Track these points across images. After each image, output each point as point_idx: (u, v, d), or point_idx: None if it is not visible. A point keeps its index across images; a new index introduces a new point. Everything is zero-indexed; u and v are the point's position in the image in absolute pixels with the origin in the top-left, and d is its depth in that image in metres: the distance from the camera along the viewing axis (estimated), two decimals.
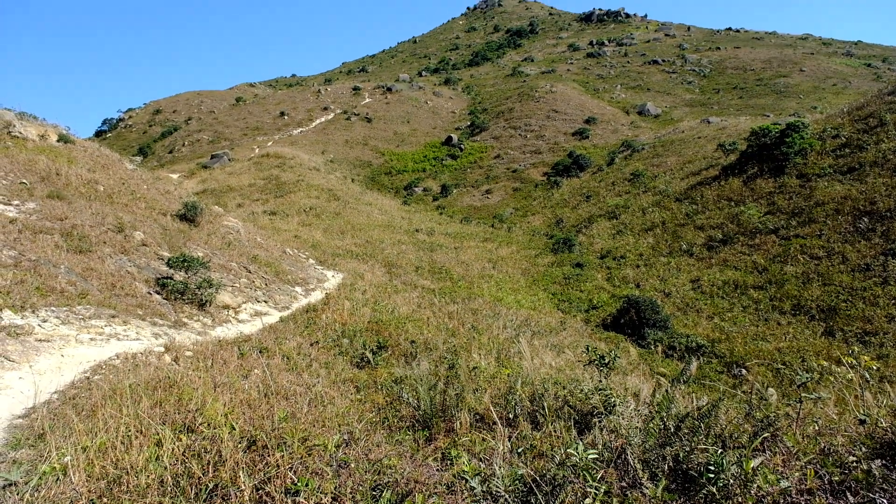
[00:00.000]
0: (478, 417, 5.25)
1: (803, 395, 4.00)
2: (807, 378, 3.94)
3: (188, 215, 17.63)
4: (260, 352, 8.27)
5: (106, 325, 8.58)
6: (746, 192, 26.59)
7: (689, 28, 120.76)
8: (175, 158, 64.40)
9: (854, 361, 4.45)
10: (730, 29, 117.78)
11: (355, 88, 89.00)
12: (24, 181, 14.38)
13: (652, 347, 16.64)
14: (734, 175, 28.89)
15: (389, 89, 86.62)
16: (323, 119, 74.58)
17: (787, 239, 21.37)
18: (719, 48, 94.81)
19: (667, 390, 4.53)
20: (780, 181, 25.62)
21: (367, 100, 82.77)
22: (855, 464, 3.18)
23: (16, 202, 12.72)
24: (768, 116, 49.47)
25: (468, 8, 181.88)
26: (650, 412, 4.26)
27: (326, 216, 31.74)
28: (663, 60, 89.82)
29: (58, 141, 19.62)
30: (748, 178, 27.63)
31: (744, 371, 14.68)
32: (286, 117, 75.76)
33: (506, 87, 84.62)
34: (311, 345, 9.49)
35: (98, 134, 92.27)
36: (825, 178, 23.71)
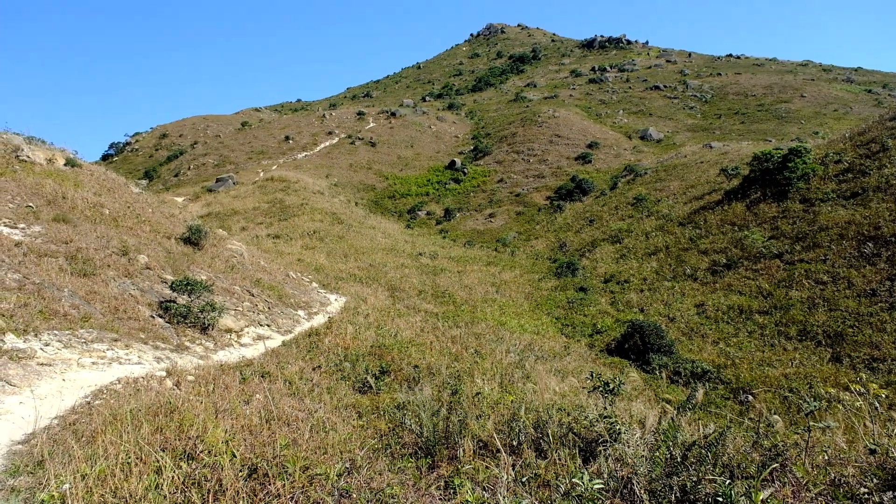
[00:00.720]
0: (481, 444, 5.18)
1: (812, 423, 3.95)
2: (815, 406, 3.89)
3: (192, 239, 17.69)
4: (262, 376, 8.22)
5: (108, 349, 8.55)
6: (750, 216, 26.60)
7: (689, 54, 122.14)
8: (180, 182, 64.89)
9: (862, 389, 4.39)
10: (730, 55, 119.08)
11: (360, 113, 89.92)
12: (31, 205, 14.48)
13: (657, 373, 16.49)
14: (737, 199, 28.94)
15: (393, 114, 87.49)
16: (327, 143, 75.23)
17: (791, 264, 21.30)
18: (720, 74, 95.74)
19: (672, 418, 4.48)
20: (783, 206, 25.64)
21: (372, 124, 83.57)
22: (867, 496, 3.12)
23: (22, 225, 12.80)
24: (770, 141, 49.72)
25: (472, 35, 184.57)
26: (656, 440, 4.20)
27: (330, 239, 31.82)
28: (665, 86, 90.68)
29: (65, 165, 19.81)
30: (751, 203, 27.67)
31: (750, 397, 14.51)
32: (291, 141, 76.46)
33: (509, 112, 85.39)
34: (314, 369, 9.43)
35: (105, 157, 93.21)
36: (829, 202, 23.73)
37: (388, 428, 6.16)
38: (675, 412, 5.15)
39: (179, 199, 42.51)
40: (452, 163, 63.93)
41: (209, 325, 11.58)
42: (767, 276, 21.38)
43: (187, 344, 10.54)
